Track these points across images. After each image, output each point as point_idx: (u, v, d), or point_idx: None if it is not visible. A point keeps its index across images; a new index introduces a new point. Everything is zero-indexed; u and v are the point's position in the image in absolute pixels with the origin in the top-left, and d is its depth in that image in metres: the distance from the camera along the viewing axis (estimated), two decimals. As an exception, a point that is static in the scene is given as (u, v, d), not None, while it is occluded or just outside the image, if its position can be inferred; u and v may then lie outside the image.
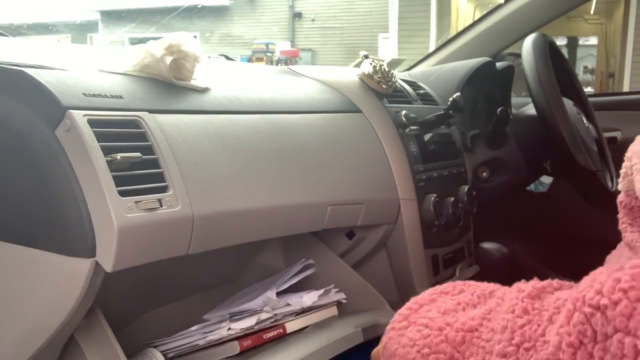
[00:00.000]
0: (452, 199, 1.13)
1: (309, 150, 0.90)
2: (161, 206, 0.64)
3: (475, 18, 2.64)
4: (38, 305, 0.66)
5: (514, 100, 1.49)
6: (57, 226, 0.62)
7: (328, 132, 0.96)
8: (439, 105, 1.27)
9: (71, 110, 0.61)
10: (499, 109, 1.27)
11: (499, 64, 1.41)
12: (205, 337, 0.80)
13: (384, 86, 1.12)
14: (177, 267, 0.85)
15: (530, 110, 1.29)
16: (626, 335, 0.38)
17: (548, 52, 1.20)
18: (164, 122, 0.70)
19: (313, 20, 13.00)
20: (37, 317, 0.66)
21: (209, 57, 1.35)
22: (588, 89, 9.54)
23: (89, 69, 0.76)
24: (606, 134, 1.48)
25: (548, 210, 1.68)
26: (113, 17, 13.66)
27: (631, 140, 0.60)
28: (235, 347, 0.79)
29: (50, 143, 0.61)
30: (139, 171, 0.64)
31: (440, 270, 1.16)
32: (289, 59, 9.86)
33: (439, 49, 1.73)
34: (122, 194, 0.61)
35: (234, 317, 0.84)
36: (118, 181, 0.61)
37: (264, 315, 0.83)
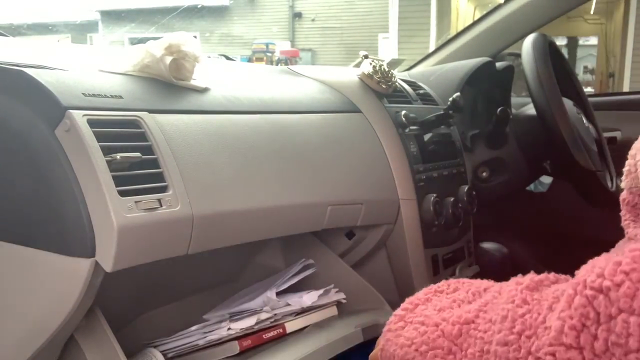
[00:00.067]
0: (452, 199, 1.13)
1: (309, 150, 0.90)
2: (161, 206, 0.64)
3: (475, 18, 2.64)
4: (38, 305, 0.66)
5: (514, 100, 1.49)
6: (57, 226, 0.62)
7: (328, 132, 0.96)
8: (439, 105, 1.27)
9: (71, 110, 0.61)
10: (499, 109, 1.27)
11: (498, 64, 1.41)
12: (205, 337, 0.80)
13: (383, 86, 1.12)
14: (177, 267, 0.85)
15: (530, 110, 1.29)
16: (631, 315, 0.39)
17: (548, 52, 1.20)
18: (163, 122, 0.70)
19: (313, 20, 13.00)
20: (36, 317, 0.66)
21: (209, 57, 1.35)
22: (588, 89, 9.55)
23: (89, 69, 0.76)
24: (606, 134, 1.48)
25: (548, 210, 1.68)
26: (113, 17, 13.67)
27: (631, 140, 0.59)
28: (235, 347, 0.79)
29: (50, 143, 0.61)
30: (139, 171, 0.64)
31: (440, 270, 1.16)
32: (289, 59, 9.87)
33: (439, 49, 1.73)
34: (122, 194, 0.61)
35: (234, 317, 0.84)
36: (118, 181, 0.61)
37: (263, 315, 0.83)
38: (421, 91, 1.28)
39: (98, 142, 0.61)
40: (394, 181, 1.05)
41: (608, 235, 0.68)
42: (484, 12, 1.71)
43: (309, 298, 0.89)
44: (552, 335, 0.42)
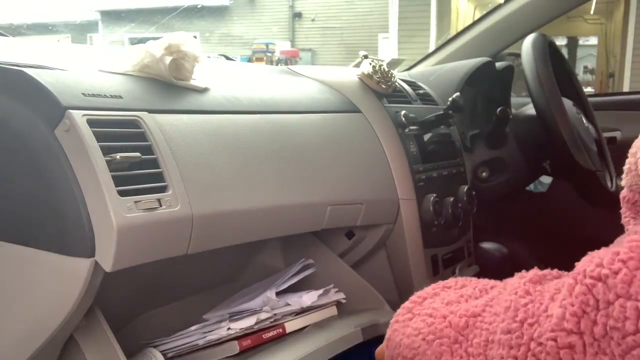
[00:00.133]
0: (452, 199, 1.13)
1: (309, 150, 0.90)
2: (160, 206, 0.64)
3: (475, 18, 2.64)
4: (37, 305, 0.66)
5: (514, 100, 1.49)
6: (57, 226, 0.62)
7: (328, 132, 0.96)
8: (439, 105, 1.27)
9: (70, 110, 0.61)
10: (499, 109, 1.27)
11: (498, 64, 1.41)
12: (204, 337, 0.80)
13: (383, 86, 1.12)
14: (177, 267, 0.85)
15: (530, 110, 1.29)
16: (627, 299, 0.41)
17: (548, 52, 1.20)
18: (163, 122, 0.70)
19: (313, 20, 13.00)
20: (36, 316, 0.66)
21: (209, 57, 1.35)
22: (588, 89, 9.55)
23: (89, 69, 0.76)
24: (606, 134, 1.48)
25: (548, 210, 1.68)
26: (113, 17, 13.67)
27: (631, 140, 0.60)
28: (234, 347, 0.79)
29: (49, 143, 0.61)
30: (139, 171, 0.64)
31: (440, 270, 1.16)
32: (289, 59, 9.87)
33: (438, 49, 1.73)
34: (122, 193, 0.61)
35: (234, 317, 0.84)
36: (117, 181, 0.61)
37: (263, 315, 0.83)
38: (421, 91, 1.28)
39: (98, 142, 0.61)
40: (393, 181, 1.05)
41: (608, 235, 0.68)
42: (484, 12, 1.71)
43: (308, 298, 0.89)
44: (554, 321, 0.44)
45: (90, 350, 0.68)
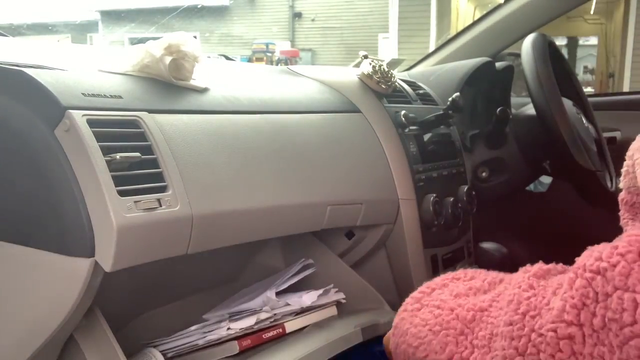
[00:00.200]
0: (452, 199, 1.13)
1: (309, 150, 0.90)
2: (160, 206, 0.64)
3: (475, 18, 2.64)
4: (37, 305, 0.66)
5: (514, 100, 1.49)
6: (56, 226, 0.62)
7: (327, 132, 0.96)
8: (439, 105, 1.27)
9: (70, 110, 0.61)
10: (499, 109, 1.27)
11: (498, 64, 1.41)
12: (204, 337, 0.80)
13: (383, 86, 1.12)
14: (177, 267, 0.85)
15: (530, 110, 1.29)
16: (625, 291, 0.42)
17: (547, 52, 1.20)
18: (163, 122, 0.70)
19: (313, 20, 13.00)
20: (36, 316, 0.66)
21: (209, 57, 1.35)
22: (588, 89, 9.55)
23: (89, 69, 0.76)
24: (606, 134, 1.48)
25: (547, 210, 1.68)
26: (113, 17, 13.66)
27: (631, 140, 0.60)
28: (234, 347, 0.79)
29: (49, 143, 0.61)
30: (138, 171, 0.64)
31: (440, 270, 1.16)
32: (289, 59, 9.87)
33: (438, 49, 1.73)
34: (122, 193, 0.61)
35: (234, 316, 0.84)
36: (117, 181, 0.61)
37: (263, 315, 0.83)
38: (421, 91, 1.28)
39: (97, 142, 0.61)
40: (393, 181, 1.05)
41: (607, 235, 0.68)
42: (484, 12, 1.71)
43: (308, 298, 0.89)
44: (555, 313, 0.45)
45: (90, 350, 0.68)
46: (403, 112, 1.10)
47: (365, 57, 1.16)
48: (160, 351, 0.79)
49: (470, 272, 0.64)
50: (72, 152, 0.61)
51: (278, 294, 0.89)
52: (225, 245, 0.75)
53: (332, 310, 0.93)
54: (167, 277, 0.89)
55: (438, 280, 0.64)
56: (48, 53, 0.90)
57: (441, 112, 1.14)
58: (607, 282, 0.43)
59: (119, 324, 0.80)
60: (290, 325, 0.86)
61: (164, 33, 0.80)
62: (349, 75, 1.15)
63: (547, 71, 1.17)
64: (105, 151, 0.61)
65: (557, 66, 1.24)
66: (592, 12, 9.75)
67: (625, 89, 8.05)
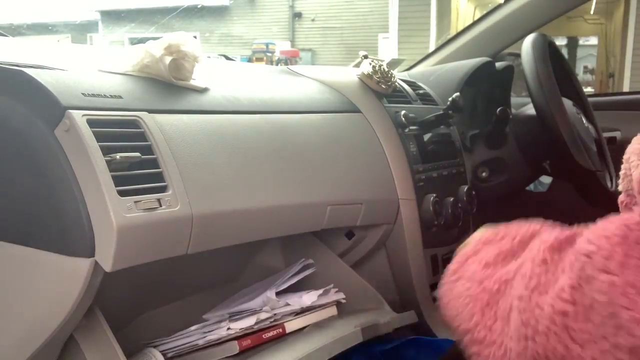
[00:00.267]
0: (452, 199, 1.13)
1: (309, 150, 0.90)
2: (160, 206, 0.64)
3: (475, 18, 2.64)
4: (37, 305, 0.66)
5: (514, 100, 1.49)
6: (56, 226, 0.62)
7: (327, 132, 0.96)
8: (439, 105, 1.27)
9: (70, 110, 0.61)
10: (499, 109, 1.27)
11: (498, 64, 1.41)
12: (204, 337, 0.80)
13: (383, 86, 1.12)
14: (177, 267, 0.85)
15: (530, 110, 1.29)
16: (607, 274, 0.45)
17: (547, 52, 1.20)
18: (163, 122, 0.70)
19: (313, 20, 13.00)
20: (36, 316, 0.66)
21: (209, 57, 1.35)
22: (588, 89, 9.54)
23: (89, 69, 0.76)
24: (606, 134, 1.48)
25: (547, 210, 1.68)
26: (113, 17, 13.66)
27: (631, 140, 0.61)
28: (234, 347, 0.79)
29: (49, 143, 0.61)
30: (138, 171, 0.64)
31: (440, 270, 1.16)
32: (289, 59, 9.86)
33: (438, 49, 1.73)
34: (122, 193, 0.61)
35: (234, 316, 0.84)
36: (117, 181, 0.61)
37: (263, 315, 0.83)
38: (421, 91, 1.28)
39: (97, 142, 0.61)
40: (393, 181, 1.05)
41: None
42: (484, 12, 1.71)
43: (308, 298, 0.89)
44: (556, 291, 0.49)
45: (90, 350, 0.68)
46: (403, 112, 1.10)
47: (365, 57, 1.16)
48: (160, 351, 0.79)
49: (502, 230, 0.67)
50: (72, 152, 0.61)
51: (278, 294, 0.89)
52: (225, 245, 0.75)
53: (332, 310, 0.93)
54: (167, 277, 0.89)
55: (471, 247, 0.67)
56: (48, 53, 0.90)
57: (441, 112, 1.14)
58: (593, 265, 0.46)
59: (119, 324, 0.80)
60: (290, 325, 0.86)
61: (164, 33, 0.80)
62: (349, 75, 1.15)
63: (547, 71, 1.17)
64: (105, 151, 0.61)
65: (557, 66, 1.24)
66: (592, 12, 9.75)
67: (625, 89, 8.04)
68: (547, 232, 0.59)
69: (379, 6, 11.51)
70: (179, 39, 0.78)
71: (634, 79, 8.04)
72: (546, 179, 1.67)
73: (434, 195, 1.09)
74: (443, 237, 1.16)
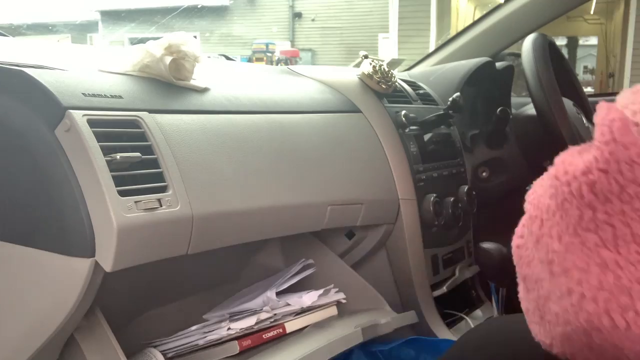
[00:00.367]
0: (452, 199, 1.13)
1: (309, 150, 0.90)
2: (161, 206, 0.64)
3: (475, 18, 2.64)
4: (38, 305, 0.66)
5: (514, 100, 1.49)
6: (57, 226, 0.62)
7: (328, 132, 0.96)
8: (439, 105, 1.27)
9: (71, 110, 0.61)
10: (499, 109, 1.27)
11: (498, 64, 1.41)
12: (204, 337, 0.80)
13: (383, 86, 1.12)
14: (177, 267, 0.85)
15: (530, 110, 1.29)
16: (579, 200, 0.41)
17: (548, 52, 1.20)
18: (163, 122, 0.70)
19: (313, 20, 12.99)
20: (36, 316, 0.66)
21: (209, 57, 1.35)
22: (588, 89, 9.54)
23: (89, 69, 0.76)
24: (606, 134, 1.48)
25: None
26: (113, 17, 13.66)
27: None
28: (234, 347, 0.79)
29: (49, 143, 0.61)
30: (139, 171, 0.64)
31: (440, 270, 1.16)
32: (289, 59, 9.86)
33: (438, 49, 1.72)
34: (122, 193, 0.61)
35: (234, 317, 0.84)
36: (117, 181, 0.61)
37: (263, 315, 0.83)
38: (421, 91, 1.28)
39: (98, 142, 0.61)
40: (393, 181, 1.05)
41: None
42: (484, 12, 1.71)
43: (308, 298, 0.89)
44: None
45: (90, 350, 0.68)
46: (403, 112, 1.10)
47: (366, 57, 1.16)
48: (161, 351, 0.79)
49: None
50: (72, 152, 0.61)
51: (278, 294, 0.89)
52: (225, 245, 0.75)
53: (332, 311, 0.93)
54: (167, 277, 0.89)
55: None
56: (48, 53, 0.90)
57: (441, 112, 1.14)
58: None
59: (119, 324, 0.80)
60: (291, 326, 0.86)
61: (164, 33, 0.80)
62: (349, 75, 1.15)
63: (547, 71, 1.17)
64: (106, 151, 0.61)
65: (557, 66, 1.24)
66: (592, 12, 9.75)
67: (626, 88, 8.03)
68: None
69: (379, 6, 11.51)
70: (179, 39, 0.78)
71: (634, 79, 8.03)
72: (546, 179, 1.66)
73: (434, 195, 1.09)
74: (443, 237, 1.16)
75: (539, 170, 0.50)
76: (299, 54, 11.55)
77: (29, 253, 0.64)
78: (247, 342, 0.80)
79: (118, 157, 0.62)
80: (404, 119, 1.09)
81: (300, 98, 1.00)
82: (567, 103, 1.27)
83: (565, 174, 0.42)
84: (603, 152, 0.40)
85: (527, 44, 1.21)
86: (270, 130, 0.85)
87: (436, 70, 1.43)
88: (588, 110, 1.39)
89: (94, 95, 0.66)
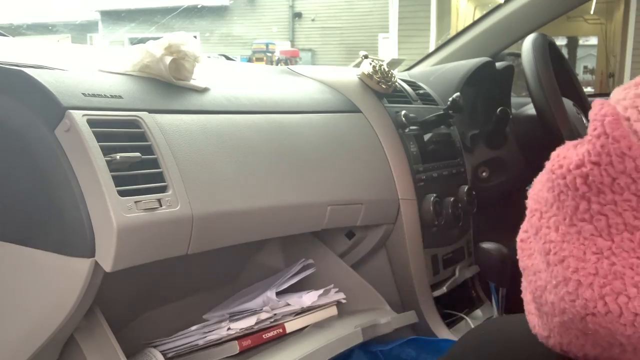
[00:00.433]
0: (452, 199, 1.13)
1: (309, 150, 0.90)
2: (160, 206, 0.64)
3: (475, 18, 2.64)
4: (38, 305, 0.66)
5: (514, 100, 1.49)
6: (57, 226, 0.62)
7: (328, 132, 0.96)
8: (439, 105, 1.27)
9: (71, 110, 0.61)
10: (499, 109, 1.27)
11: (498, 64, 1.41)
12: (204, 337, 0.80)
13: (383, 86, 1.12)
14: (177, 267, 0.85)
15: (530, 110, 1.29)
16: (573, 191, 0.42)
17: (548, 52, 1.20)
18: (163, 122, 0.70)
19: (313, 20, 12.99)
20: (36, 317, 0.66)
21: (209, 57, 1.35)
22: (588, 89, 9.54)
23: (89, 69, 0.76)
24: (606, 134, 1.48)
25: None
26: (113, 17, 13.65)
27: None
28: (234, 347, 0.79)
29: (49, 143, 0.61)
30: (139, 171, 0.64)
31: (440, 270, 1.16)
32: (289, 59, 9.85)
33: (438, 49, 1.72)
34: (122, 193, 0.61)
35: (234, 317, 0.84)
36: (117, 181, 0.61)
37: (263, 315, 0.83)
38: (421, 91, 1.28)
39: (98, 142, 0.61)
40: (393, 181, 1.05)
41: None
42: (484, 12, 1.71)
43: (308, 298, 0.89)
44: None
45: (90, 351, 0.68)
46: (403, 112, 1.10)
47: (366, 57, 1.16)
48: (161, 351, 0.79)
49: None
50: (72, 152, 0.61)
51: (278, 294, 0.89)
52: (225, 245, 0.75)
53: (332, 311, 0.93)
54: (168, 277, 0.89)
55: None
56: (48, 53, 0.90)
57: (441, 112, 1.14)
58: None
59: (119, 324, 0.80)
60: (291, 326, 0.86)
61: (164, 33, 0.80)
62: (349, 75, 1.15)
63: (548, 71, 1.17)
64: (106, 151, 0.61)
65: (557, 66, 1.23)
66: (592, 12, 9.75)
67: (625, 89, 8.02)
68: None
69: (379, 6, 11.51)
70: (179, 39, 0.78)
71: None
72: (546, 179, 1.66)
73: (434, 195, 1.09)
74: (443, 237, 1.16)
75: (539, 170, 0.50)
76: (299, 54, 11.54)
77: (29, 253, 0.64)
78: (247, 342, 0.80)
79: (118, 157, 0.62)
80: (404, 119, 1.09)
81: (300, 98, 1.00)
82: (567, 103, 1.27)
83: (560, 167, 0.43)
84: (595, 146, 0.41)
85: (527, 44, 1.21)
86: (271, 131, 0.85)
87: (436, 70, 1.43)
88: (588, 110, 1.39)
89: (93, 95, 0.66)
